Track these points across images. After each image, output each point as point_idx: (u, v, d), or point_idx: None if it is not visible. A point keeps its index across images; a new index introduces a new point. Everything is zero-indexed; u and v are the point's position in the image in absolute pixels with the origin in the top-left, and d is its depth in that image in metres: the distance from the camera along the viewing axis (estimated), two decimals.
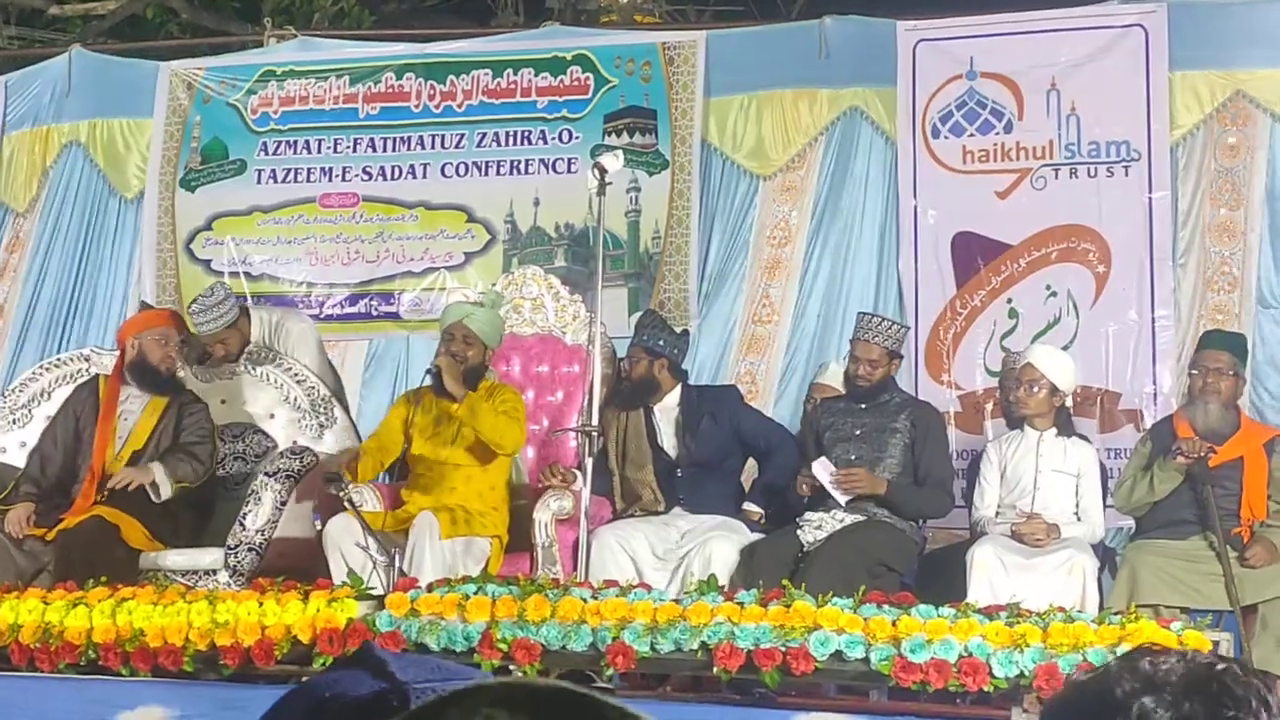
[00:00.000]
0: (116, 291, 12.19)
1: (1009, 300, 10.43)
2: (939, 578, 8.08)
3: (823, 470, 8.34)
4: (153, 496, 8.69)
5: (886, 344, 8.69)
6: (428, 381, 8.67)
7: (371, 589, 7.65)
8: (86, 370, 9.60)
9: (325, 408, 9.48)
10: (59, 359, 10.32)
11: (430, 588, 7.39)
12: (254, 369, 9.67)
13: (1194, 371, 8.44)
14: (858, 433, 8.60)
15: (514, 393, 8.75)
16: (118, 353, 9.37)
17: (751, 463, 9.06)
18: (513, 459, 8.78)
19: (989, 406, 10.13)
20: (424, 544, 8.06)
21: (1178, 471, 8.06)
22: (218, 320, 9.63)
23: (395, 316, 11.55)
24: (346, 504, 8.37)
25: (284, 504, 8.75)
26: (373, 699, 1.39)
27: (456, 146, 11.69)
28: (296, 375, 9.59)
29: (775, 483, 8.80)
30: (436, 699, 1.04)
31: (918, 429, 8.63)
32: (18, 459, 9.40)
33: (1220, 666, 1.92)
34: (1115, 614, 6.89)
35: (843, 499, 8.33)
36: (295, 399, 9.55)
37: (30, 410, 9.77)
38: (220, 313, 9.65)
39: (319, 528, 8.58)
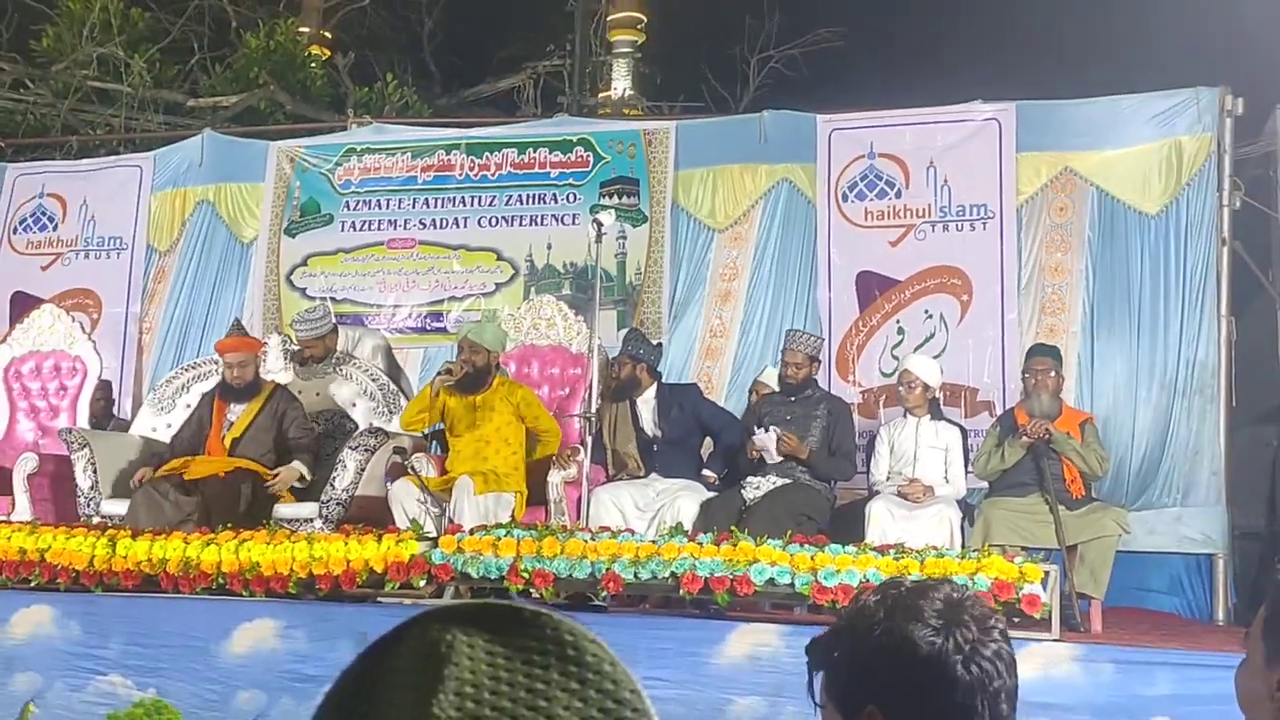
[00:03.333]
0: (233, 311, 12.23)
1: (898, 321, 10.43)
2: (846, 525, 8.04)
3: (768, 437, 8.42)
4: (299, 484, 8.78)
5: (808, 351, 8.77)
6: (448, 382, 8.57)
7: (427, 533, 7.66)
8: (216, 370, 9.63)
9: (393, 399, 9.51)
10: (195, 363, 10.37)
11: (471, 532, 7.42)
12: (342, 370, 9.74)
13: (1026, 375, 8.48)
14: (788, 418, 8.62)
15: (529, 390, 8.83)
16: None
17: (709, 440, 9.10)
18: (523, 434, 8.77)
19: (882, 399, 10.21)
20: (463, 499, 8.06)
21: (1022, 448, 8.15)
22: (311, 330, 9.73)
23: (443, 330, 11.58)
24: (409, 469, 8.43)
25: (363, 470, 8.75)
26: None
27: (490, 205, 11.70)
28: (372, 375, 9.65)
29: (726, 454, 8.83)
30: (392, 629, 0.99)
31: (832, 415, 8.66)
32: (165, 437, 9.44)
33: (957, 594, 1.96)
34: (973, 551, 6.91)
35: (776, 458, 8.41)
36: (371, 392, 9.59)
37: (174, 400, 9.82)
38: (315, 325, 9.75)
39: (388, 488, 8.63)
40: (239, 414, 9.05)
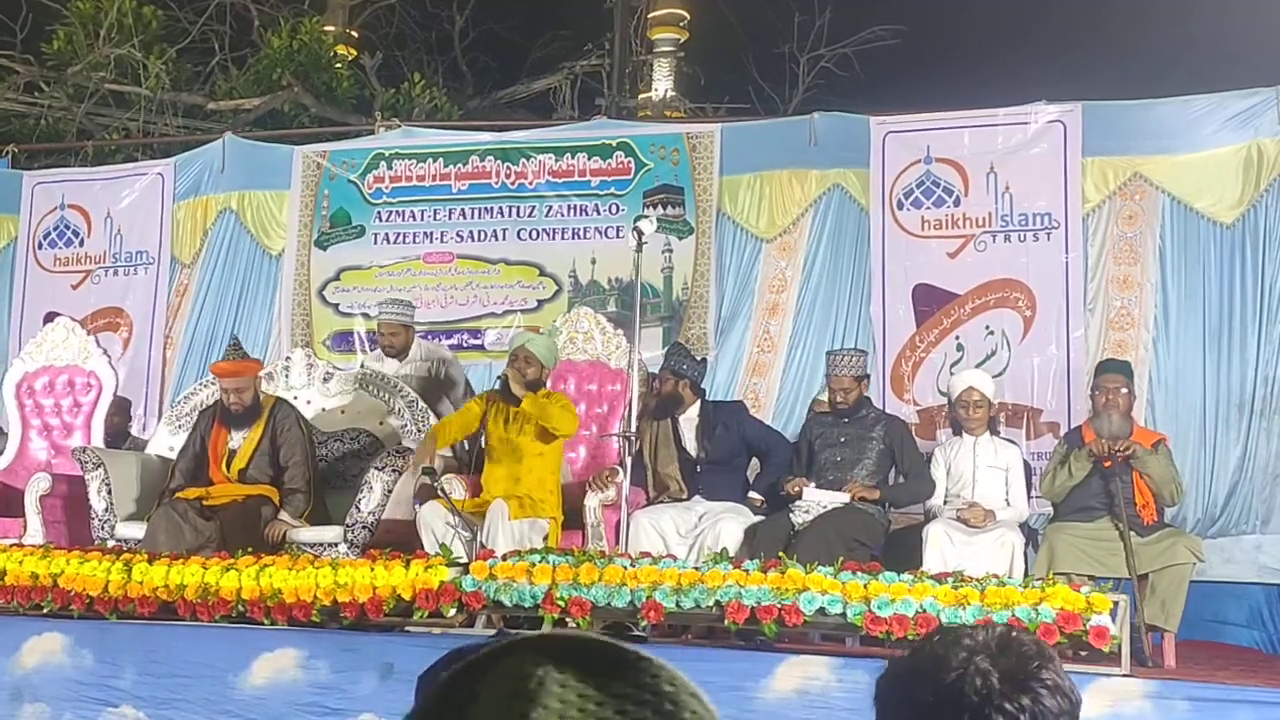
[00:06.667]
0: (261, 327, 12.31)
1: (957, 337, 10.45)
2: (900, 551, 8.03)
3: (824, 495, 8.40)
4: (291, 534, 8.76)
5: (853, 373, 8.68)
6: (497, 386, 8.74)
7: (458, 558, 7.67)
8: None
9: (423, 417, 9.52)
10: (211, 380, 10.40)
11: (504, 557, 7.42)
12: (369, 388, 9.77)
13: (1095, 392, 8.40)
14: (842, 440, 8.60)
15: (564, 396, 8.80)
16: None
17: (755, 460, 9.07)
18: (562, 458, 8.82)
19: (940, 418, 10.19)
20: (498, 524, 8.06)
21: (1089, 461, 8.08)
22: (394, 316, 10.06)
23: (481, 348, 11.62)
24: (439, 491, 8.45)
25: (390, 492, 8.76)
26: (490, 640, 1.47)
27: (529, 216, 11.75)
28: (402, 392, 9.67)
29: (773, 476, 8.78)
30: (489, 650, 0.99)
31: (891, 437, 8.61)
32: None
33: (1014, 633, 2.04)
34: (1037, 580, 6.87)
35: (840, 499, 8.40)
36: (399, 409, 9.62)
37: (191, 417, 9.85)
38: (403, 311, 10.12)
39: (417, 510, 8.64)
40: (240, 441, 9.08)
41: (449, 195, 12.03)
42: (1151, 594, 7.69)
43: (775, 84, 18.37)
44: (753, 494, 8.77)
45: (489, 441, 8.75)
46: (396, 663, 6.98)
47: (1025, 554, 7.99)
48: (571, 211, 11.70)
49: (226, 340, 11.85)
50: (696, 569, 7.15)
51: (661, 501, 8.77)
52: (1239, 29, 13.24)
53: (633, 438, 8.23)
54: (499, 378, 8.79)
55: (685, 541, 8.26)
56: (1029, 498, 8.55)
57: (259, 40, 18.38)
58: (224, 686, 7.27)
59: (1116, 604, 6.62)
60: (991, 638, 2.01)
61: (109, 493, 9.11)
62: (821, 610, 6.77)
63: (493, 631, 6.82)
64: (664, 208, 11.35)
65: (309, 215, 12.28)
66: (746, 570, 7.03)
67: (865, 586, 6.77)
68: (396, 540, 8.34)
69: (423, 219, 12.08)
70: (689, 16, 27.48)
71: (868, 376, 9.00)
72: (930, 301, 10.59)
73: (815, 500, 8.32)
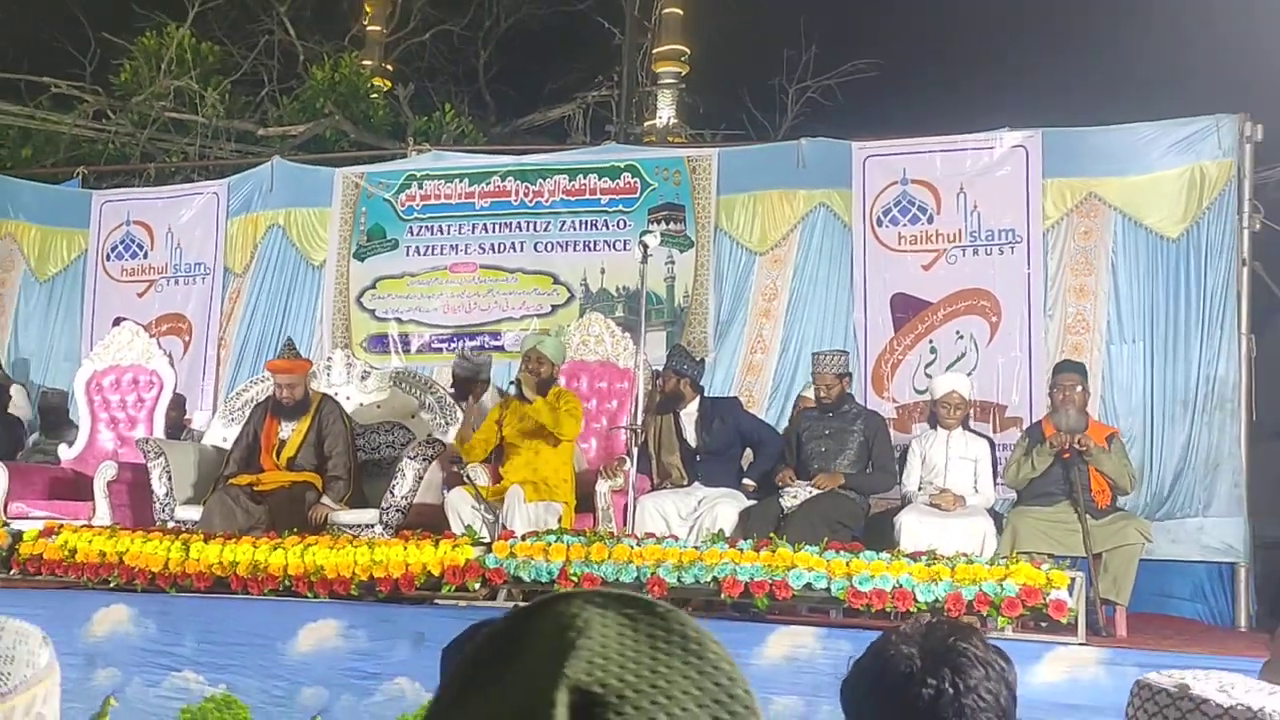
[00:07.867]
0: (305, 330, 12.31)
1: (930, 341, 10.44)
2: (879, 533, 8.02)
3: (803, 486, 8.39)
4: (332, 517, 8.75)
5: (835, 371, 8.69)
6: (513, 391, 8.75)
7: (482, 538, 7.70)
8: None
9: (450, 410, 9.55)
10: (262, 376, 10.42)
11: (523, 537, 7.45)
12: (402, 385, 9.78)
13: (1054, 390, 8.38)
14: (827, 433, 8.60)
15: (575, 396, 8.78)
16: None
17: (749, 450, 9.08)
18: (575, 448, 8.81)
19: (916, 414, 10.19)
20: (515, 507, 8.07)
21: (1050, 455, 8.07)
22: (465, 371, 10.04)
23: (500, 348, 11.63)
24: (465, 478, 8.45)
25: (421, 478, 8.77)
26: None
27: (544, 230, 11.75)
28: (433, 390, 9.69)
29: (765, 465, 8.78)
30: (538, 600, 1.02)
31: (869, 430, 8.60)
32: None
33: (936, 620, 2.13)
34: (1002, 558, 6.89)
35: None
36: (430, 404, 9.64)
37: (244, 411, 9.88)
38: (468, 369, 10.06)
39: (445, 496, 8.64)
40: (290, 432, 9.10)
41: (473, 212, 12.02)
42: (1105, 571, 7.68)
43: (766, 112, 18.42)
44: (746, 481, 8.77)
45: (507, 438, 8.75)
46: (427, 632, 6.98)
47: (993, 535, 7.95)
48: (583, 226, 11.70)
49: (275, 342, 11.98)
50: (696, 548, 7.16)
51: (664, 488, 8.75)
52: (1185, 59, 13.24)
53: (639, 430, 8.24)
54: (513, 381, 8.80)
55: (686, 523, 8.25)
56: (996, 486, 8.53)
57: (304, 73, 18.45)
58: (274, 653, 7.28)
59: (1073, 580, 6.61)
60: (917, 628, 2.08)
61: (169, 479, 9.13)
62: (808, 585, 6.78)
63: (512, 604, 6.83)
64: (667, 224, 11.33)
65: (348, 230, 12.28)
66: (741, 549, 7.04)
67: (848, 564, 6.77)
68: (427, 522, 8.36)
69: (450, 233, 12.07)
70: (689, 52, 27.54)
71: (849, 374, 8.98)
72: (907, 309, 10.58)
73: (800, 486, 8.33)
